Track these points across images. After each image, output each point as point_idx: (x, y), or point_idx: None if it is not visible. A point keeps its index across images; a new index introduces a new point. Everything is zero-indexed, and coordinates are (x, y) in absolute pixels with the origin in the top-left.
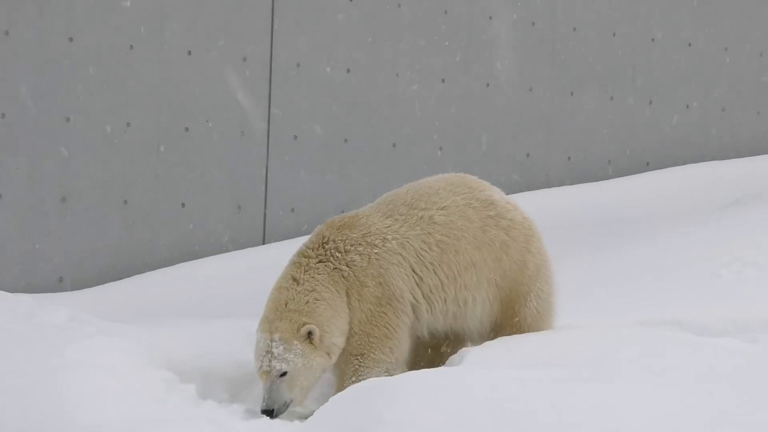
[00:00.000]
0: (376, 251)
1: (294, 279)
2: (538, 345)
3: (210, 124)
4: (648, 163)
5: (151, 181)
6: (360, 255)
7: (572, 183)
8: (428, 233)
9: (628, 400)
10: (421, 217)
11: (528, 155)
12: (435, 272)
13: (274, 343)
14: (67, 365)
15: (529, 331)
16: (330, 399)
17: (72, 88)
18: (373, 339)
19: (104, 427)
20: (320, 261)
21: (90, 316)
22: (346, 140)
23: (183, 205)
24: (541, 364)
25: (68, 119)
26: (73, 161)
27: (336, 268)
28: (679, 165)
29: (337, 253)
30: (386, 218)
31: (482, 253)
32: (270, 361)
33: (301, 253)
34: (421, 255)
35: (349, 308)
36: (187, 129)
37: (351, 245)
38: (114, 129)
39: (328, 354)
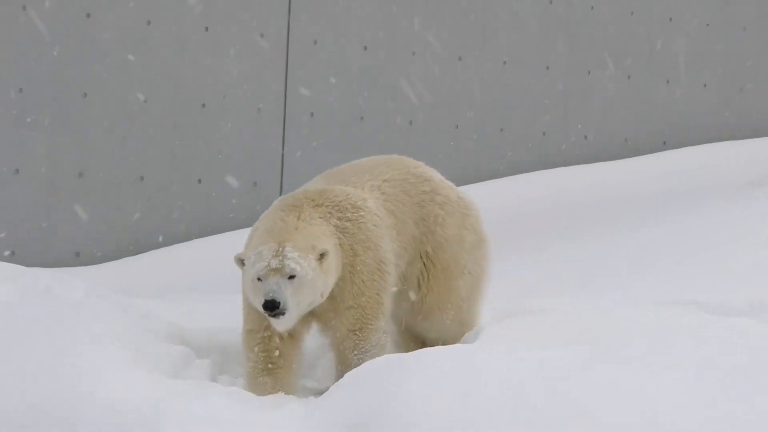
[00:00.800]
0: (361, 213)
1: (298, 218)
2: (555, 324)
3: (227, 101)
4: (665, 143)
5: (167, 158)
6: (350, 221)
7: (589, 162)
8: (383, 201)
9: (644, 383)
10: (372, 186)
11: (544, 134)
12: (393, 240)
13: (287, 248)
14: (85, 340)
15: (459, 305)
16: (345, 375)
17: (89, 64)
18: (368, 311)
19: (122, 402)
20: (321, 217)
21: (107, 292)
22: (362, 118)
23: (199, 181)
24: (559, 343)
25: (85, 95)
26: (90, 137)
27: (334, 234)
28: (696, 145)
29: (333, 219)
30: (346, 186)
31: (419, 228)
32: (282, 260)
33: (292, 204)
34: (386, 219)
35: (342, 282)
36: (203, 105)
37: (341, 211)
38: (131, 105)
39: (324, 291)
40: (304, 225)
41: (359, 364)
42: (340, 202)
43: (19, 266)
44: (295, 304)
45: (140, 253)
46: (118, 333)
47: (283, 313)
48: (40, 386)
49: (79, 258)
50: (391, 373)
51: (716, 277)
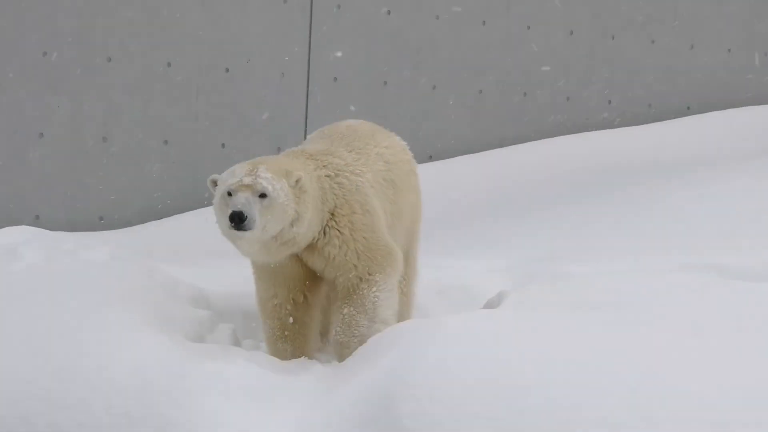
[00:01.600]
0: (360, 179)
1: (284, 156)
2: (578, 290)
3: (250, 65)
4: (689, 108)
5: (191, 122)
6: (348, 180)
7: (612, 127)
8: (385, 171)
9: (668, 345)
10: (377, 153)
11: (568, 98)
12: (387, 213)
13: (260, 169)
14: (110, 304)
15: (408, 276)
16: (369, 339)
17: (113, 28)
18: (380, 259)
19: (147, 365)
20: (316, 169)
21: (131, 255)
22: (385, 83)
23: (223, 145)
24: (582, 309)
25: (109, 59)
26: (114, 101)
27: (320, 179)
28: (720, 109)
29: (325, 170)
30: (350, 152)
31: (409, 198)
32: (256, 178)
33: (295, 152)
34: (384, 192)
35: (341, 240)
36: (227, 69)
37: (338, 169)
38: (155, 69)
39: (295, 220)
40: (284, 158)
41: (376, 302)
42: (341, 164)
43: (43, 230)
44: (262, 226)
45: (164, 217)
46: (142, 296)
47: (247, 230)
48: (66, 348)
49: (103, 222)
50: (416, 339)
51: (738, 243)
